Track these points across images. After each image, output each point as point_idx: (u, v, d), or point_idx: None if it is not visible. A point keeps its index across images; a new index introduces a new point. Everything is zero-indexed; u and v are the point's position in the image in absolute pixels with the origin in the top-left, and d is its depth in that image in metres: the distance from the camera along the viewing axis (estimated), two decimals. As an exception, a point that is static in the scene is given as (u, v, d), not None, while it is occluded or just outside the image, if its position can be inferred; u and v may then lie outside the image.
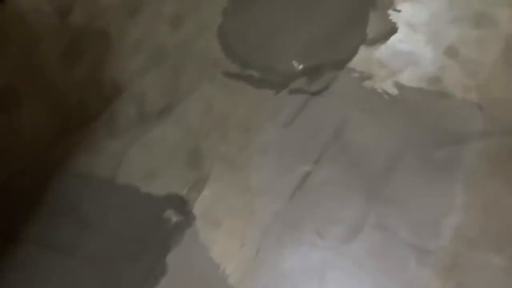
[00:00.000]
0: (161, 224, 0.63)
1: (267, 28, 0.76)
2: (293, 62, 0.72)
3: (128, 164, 0.69)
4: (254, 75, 0.72)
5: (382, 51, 0.69)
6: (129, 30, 0.80)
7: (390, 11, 0.72)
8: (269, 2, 0.78)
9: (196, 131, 0.70)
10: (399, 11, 0.71)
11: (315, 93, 0.67)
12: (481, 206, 0.54)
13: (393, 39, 0.70)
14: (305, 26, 0.75)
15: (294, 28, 0.75)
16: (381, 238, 0.54)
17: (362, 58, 0.69)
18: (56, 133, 0.72)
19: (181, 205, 0.64)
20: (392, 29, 0.70)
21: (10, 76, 0.79)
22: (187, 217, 0.63)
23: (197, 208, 0.64)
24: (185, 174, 0.66)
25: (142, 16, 0.81)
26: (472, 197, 0.54)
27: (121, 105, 0.74)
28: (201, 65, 0.75)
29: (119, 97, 0.75)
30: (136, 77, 0.76)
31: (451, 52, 0.67)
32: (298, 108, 0.66)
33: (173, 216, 0.63)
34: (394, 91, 0.65)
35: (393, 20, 0.71)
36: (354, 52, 0.70)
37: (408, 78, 0.66)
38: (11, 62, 0.80)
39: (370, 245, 0.54)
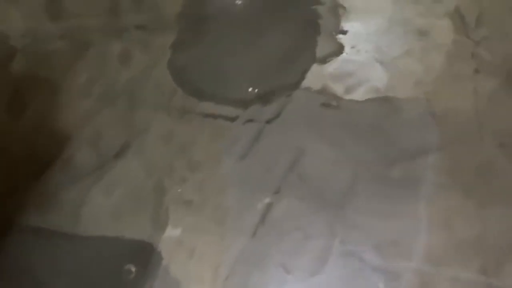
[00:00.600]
0: (124, 274, 0.60)
1: (217, 58, 0.76)
2: (248, 88, 0.71)
3: (87, 213, 0.66)
4: (209, 106, 0.71)
5: (331, 71, 0.69)
6: (77, 72, 0.77)
7: (335, 34, 0.72)
8: (217, 34, 0.78)
9: (156, 167, 0.68)
10: (344, 32, 0.72)
11: (268, 121, 0.66)
12: (443, 221, 0.54)
13: (341, 58, 0.70)
14: (254, 53, 0.75)
15: (244, 56, 0.75)
16: (348, 266, 0.53)
17: (312, 80, 0.69)
18: (4, 190, 0.68)
19: (145, 249, 0.61)
20: (339, 49, 0.71)
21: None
22: (151, 264, 0.60)
23: (161, 248, 0.61)
24: (148, 214, 0.64)
25: (89, 57, 0.79)
26: (434, 213, 0.54)
27: (75, 150, 0.71)
28: (155, 99, 0.73)
29: (73, 142, 0.72)
30: (89, 118, 0.73)
31: (397, 65, 0.68)
32: (253, 138, 0.65)
33: (135, 265, 0.60)
34: (345, 109, 0.65)
35: (339, 41, 0.72)
36: (304, 73, 0.70)
37: (358, 95, 0.66)
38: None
39: (338, 274, 0.53)
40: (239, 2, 0.81)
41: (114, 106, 0.74)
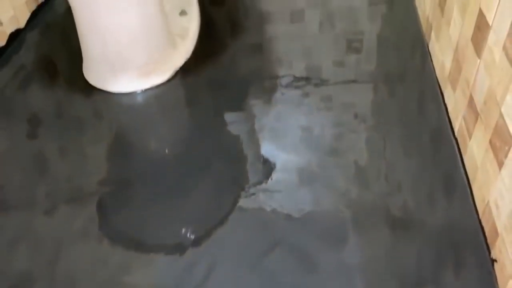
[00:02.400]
0: None
1: (145, 217, 0.77)
2: (172, 246, 0.72)
3: None
4: (133, 272, 0.70)
5: (253, 228, 0.73)
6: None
7: (257, 188, 0.79)
8: (144, 193, 0.81)
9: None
10: (265, 186, 0.79)
11: (196, 286, 0.67)
12: None
13: (261, 215, 0.75)
14: (179, 210, 0.78)
15: (169, 213, 0.77)
16: None
17: (234, 240, 0.72)
18: None
19: None
20: (259, 206, 0.76)
21: None
22: None
23: None
24: None
25: (11, 220, 0.77)
26: None
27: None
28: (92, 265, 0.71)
29: None
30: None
31: (314, 221, 0.74)
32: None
33: None
34: (267, 271, 0.67)
35: (260, 197, 0.78)
36: (225, 229, 0.73)
37: (277, 255, 0.69)
38: None
39: None
40: (167, 163, 0.86)
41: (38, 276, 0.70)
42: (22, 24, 1.23)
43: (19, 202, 0.82)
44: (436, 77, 0.95)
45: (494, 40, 0.65)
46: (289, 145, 0.87)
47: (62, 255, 0.73)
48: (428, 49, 1.03)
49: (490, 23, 0.67)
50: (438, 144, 0.84)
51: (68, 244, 0.74)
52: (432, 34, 1.00)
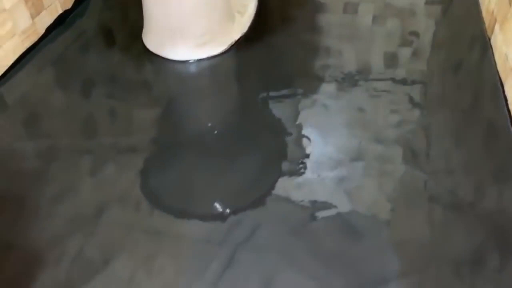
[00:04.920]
0: None
1: (190, 181, 0.79)
2: (219, 208, 0.73)
3: None
4: (182, 226, 0.71)
5: (297, 197, 0.74)
6: (46, 191, 0.77)
7: (301, 162, 0.79)
8: (190, 159, 0.82)
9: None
10: (309, 161, 0.79)
11: (240, 243, 0.68)
12: None
13: (306, 185, 0.75)
14: (225, 177, 0.79)
15: (215, 179, 0.79)
16: None
17: (280, 205, 0.73)
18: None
19: None
20: (304, 177, 0.77)
21: None
22: None
23: None
24: None
25: (59, 175, 0.80)
26: None
27: (44, 278, 0.67)
28: (128, 219, 0.73)
29: (40, 267, 0.68)
30: (58, 241, 0.71)
31: (358, 194, 0.74)
32: (225, 262, 0.66)
33: None
34: (311, 236, 0.68)
35: (304, 170, 0.78)
36: (272, 198, 0.74)
37: (323, 221, 0.69)
38: None
39: None
40: (215, 132, 0.87)
41: (83, 228, 0.72)
42: (87, -10, 1.28)
43: (68, 155, 0.84)
44: (497, 70, 0.93)
45: None
46: (340, 124, 0.87)
47: (104, 210, 0.74)
48: (490, 43, 1.01)
49: None
50: (494, 134, 0.82)
51: (110, 202, 0.75)
52: (496, 26, 0.98)
